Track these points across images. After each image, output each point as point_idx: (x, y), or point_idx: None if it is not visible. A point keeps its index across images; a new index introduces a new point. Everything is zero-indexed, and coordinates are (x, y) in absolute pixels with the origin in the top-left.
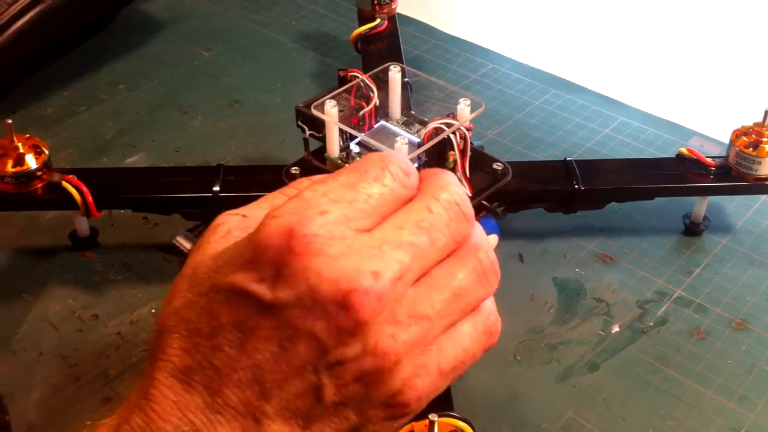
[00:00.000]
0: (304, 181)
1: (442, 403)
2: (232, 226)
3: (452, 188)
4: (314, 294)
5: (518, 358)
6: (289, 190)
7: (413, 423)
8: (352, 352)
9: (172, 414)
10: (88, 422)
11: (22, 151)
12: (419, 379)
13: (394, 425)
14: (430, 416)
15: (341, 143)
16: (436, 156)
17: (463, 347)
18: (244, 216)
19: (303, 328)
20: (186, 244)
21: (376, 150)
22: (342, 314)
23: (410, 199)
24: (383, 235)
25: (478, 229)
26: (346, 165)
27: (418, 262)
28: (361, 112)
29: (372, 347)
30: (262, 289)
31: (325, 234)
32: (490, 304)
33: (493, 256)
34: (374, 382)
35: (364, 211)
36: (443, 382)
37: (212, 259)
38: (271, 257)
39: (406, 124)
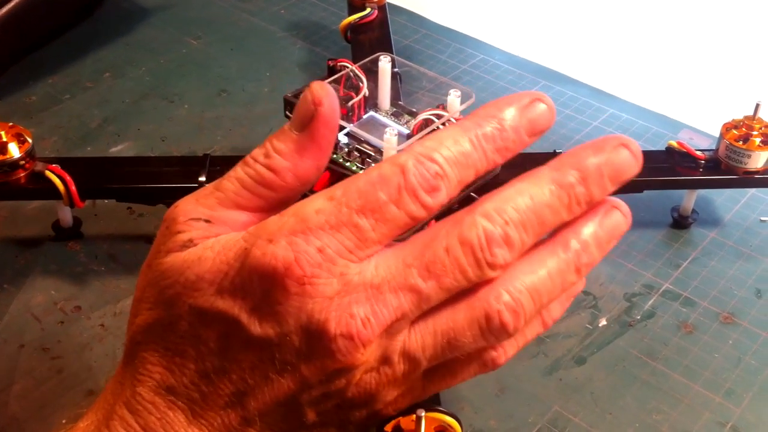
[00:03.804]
0: (259, 167)
1: (429, 398)
2: (195, 236)
3: (486, 228)
4: (302, 334)
5: None
6: (246, 180)
7: (400, 418)
8: (336, 387)
9: (157, 430)
10: (64, 420)
11: (5, 139)
12: (401, 399)
13: (372, 423)
14: (417, 411)
15: None
16: None
17: (452, 376)
18: (206, 221)
19: (288, 364)
20: None
21: (365, 141)
22: (328, 358)
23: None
24: (387, 271)
25: (515, 278)
26: (360, 172)
27: (418, 307)
28: (350, 103)
29: (356, 381)
30: (251, 322)
31: (322, 274)
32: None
33: (508, 317)
34: (356, 407)
35: (370, 240)
36: (426, 396)
37: (179, 271)
38: (264, 290)
39: (396, 115)
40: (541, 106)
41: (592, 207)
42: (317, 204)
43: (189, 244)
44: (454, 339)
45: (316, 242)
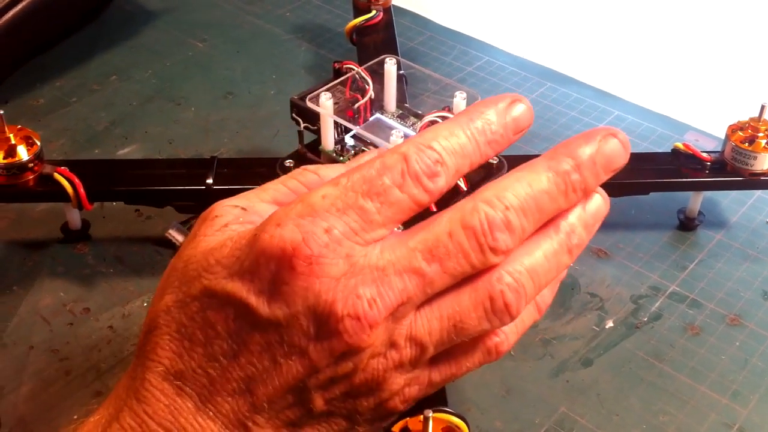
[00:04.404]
0: (308, 174)
1: (436, 399)
2: (230, 220)
3: (488, 213)
4: (310, 315)
5: (512, 353)
6: (292, 182)
7: (407, 419)
8: (343, 371)
9: (164, 417)
10: (75, 416)
11: (13, 142)
12: (408, 388)
13: (382, 424)
14: (424, 412)
15: (336, 136)
16: None
17: (457, 365)
18: (243, 209)
19: (297, 346)
20: (178, 237)
21: (372, 143)
22: (335, 339)
23: (435, 201)
24: (392, 255)
25: (515, 261)
26: (364, 157)
27: (423, 291)
28: (356, 105)
29: (363, 366)
30: (259, 303)
31: (329, 254)
32: (504, 329)
33: (510, 297)
34: (363, 394)
35: (375, 223)
36: (433, 389)
37: (204, 255)
38: (272, 271)
39: (402, 117)
40: (521, 107)
41: (586, 195)
42: (323, 191)
43: (224, 228)
44: (459, 322)
45: (322, 224)
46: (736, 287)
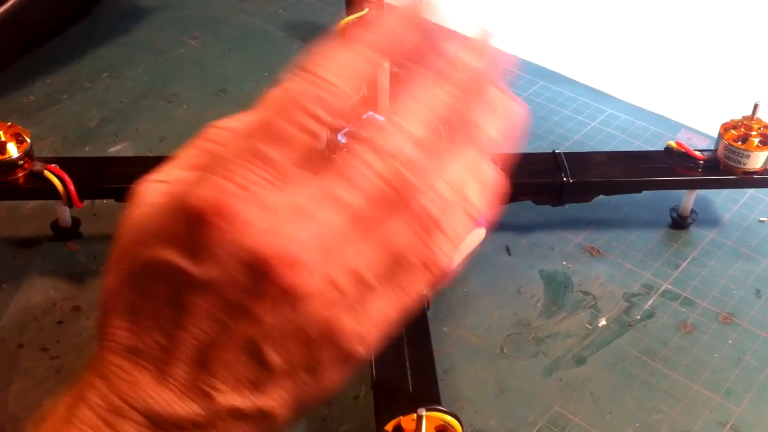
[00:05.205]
0: (217, 130)
1: (430, 398)
2: (153, 194)
3: (391, 134)
4: (240, 267)
5: (505, 351)
6: (203, 143)
7: (401, 418)
8: (289, 320)
9: (127, 393)
10: (44, 401)
11: (3, 139)
12: (360, 326)
13: (346, 367)
14: (418, 411)
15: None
16: None
17: (403, 291)
18: (164, 181)
19: (237, 303)
20: None
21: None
22: (271, 286)
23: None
24: (307, 190)
25: (431, 174)
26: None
27: (346, 220)
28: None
29: (308, 311)
30: (191, 265)
31: (243, 203)
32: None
33: (434, 209)
34: (316, 342)
35: (280, 165)
36: (389, 324)
37: (137, 231)
38: (197, 232)
39: None
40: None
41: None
42: (228, 145)
43: (150, 204)
44: (391, 246)
45: (234, 177)
46: (729, 285)
